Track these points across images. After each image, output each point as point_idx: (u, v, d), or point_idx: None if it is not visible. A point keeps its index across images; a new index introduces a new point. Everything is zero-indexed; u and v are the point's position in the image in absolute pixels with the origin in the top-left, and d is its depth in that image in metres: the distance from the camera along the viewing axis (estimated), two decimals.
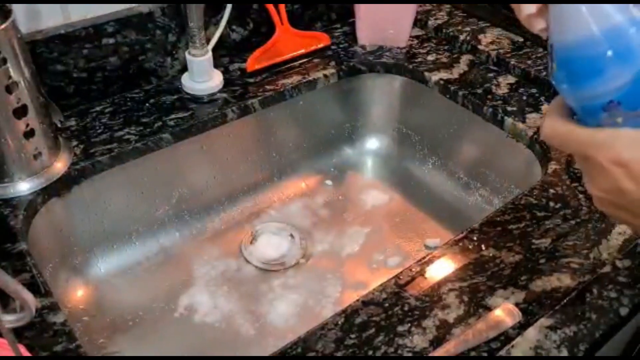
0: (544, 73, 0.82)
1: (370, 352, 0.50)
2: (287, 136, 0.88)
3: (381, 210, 0.87)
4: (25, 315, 0.44)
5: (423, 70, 0.86)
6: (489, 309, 0.53)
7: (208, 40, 0.79)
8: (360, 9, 0.89)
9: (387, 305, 0.54)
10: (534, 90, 0.82)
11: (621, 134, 0.36)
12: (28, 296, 0.42)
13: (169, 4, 0.76)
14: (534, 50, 0.88)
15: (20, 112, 0.61)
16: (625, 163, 0.35)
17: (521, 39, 0.90)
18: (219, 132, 0.79)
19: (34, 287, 0.54)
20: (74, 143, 0.71)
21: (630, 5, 0.35)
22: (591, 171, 0.38)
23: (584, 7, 0.34)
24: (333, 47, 0.91)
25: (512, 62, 0.85)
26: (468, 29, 0.93)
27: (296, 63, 0.87)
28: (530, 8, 0.42)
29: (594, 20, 0.34)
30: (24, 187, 0.65)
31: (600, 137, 0.36)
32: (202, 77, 0.79)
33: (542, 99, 0.80)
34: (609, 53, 0.34)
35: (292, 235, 0.83)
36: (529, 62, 0.85)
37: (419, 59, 0.88)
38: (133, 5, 0.75)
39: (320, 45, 0.89)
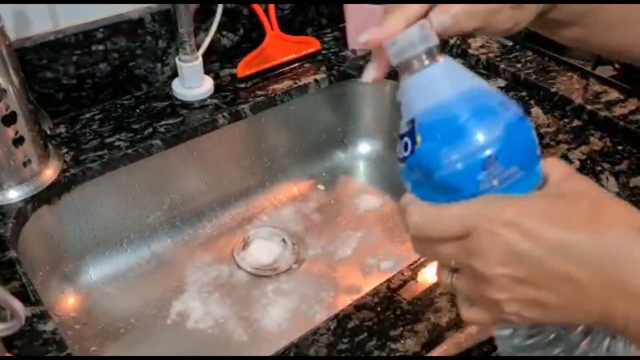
0: (534, 76, 0.83)
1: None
2: (279, 141, 0.88)
3: (373, 214, 0.87)
4: (14, 324, 0.44)
5: None
6: None
7: (198, 46, 0.79)
8: (350, 14, 0.89)
9: (379, 309, 0.54)
10: (524, 94, 0.82)
11: (496, 197, 0.33)
12: (17, 305, 0.42)
13: (159, 7, 0.76)
14: (523, 54, 0.88)
15: (9, 119, 0.61)
16: (511, 223, 0.31)
17: (510, 43, 0.91)
18: (210, 137, 0.78)
19: (24, 295, 0.54)
20: (64, 150, 0.71)
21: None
22: (479, 245, 0.32)
23: (440, 72, 0.35)
24: (324, 52, 0.91)
25: (501, 66, 0.85)
26: None
27: (287, 68, 0.87)
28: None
29: (449, 84, 0.35)
30: (13, 194, 0.64)
31: (476, 205, 0.33)
32: (193, 82, 0.79)
33: (532, 102, 0.80)
34: (486, 105, 0.34)
35: (284, 240, 0.82)
36: (519, 65, 0.85)
37: None
38: (123, 11, 0.75)
39: (311, 50, 0.89)
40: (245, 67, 0.84)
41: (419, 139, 0.34)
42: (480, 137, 0.33)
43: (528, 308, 0.33)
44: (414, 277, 0.57)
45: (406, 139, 0.35)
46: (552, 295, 0.32)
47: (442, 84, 0.35)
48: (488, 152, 0.33)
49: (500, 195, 0.33)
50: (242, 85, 0.83)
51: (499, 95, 0.35)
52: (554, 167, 0.35)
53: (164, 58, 0.81)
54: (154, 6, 0.77)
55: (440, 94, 0.35)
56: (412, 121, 0.35)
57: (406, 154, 0.35)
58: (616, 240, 0.31)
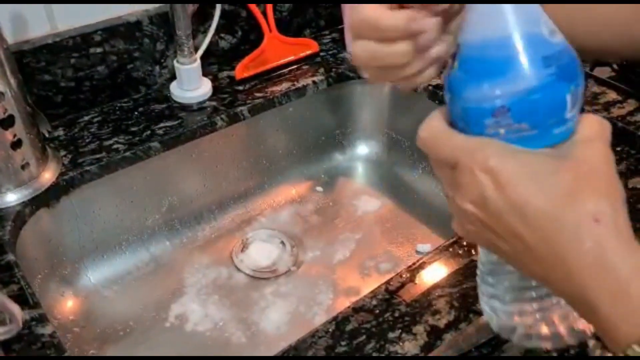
0: None
1: None
2: (277, 143, 0.88)
3: (372, 216, 0.87)
4: (12, 328, 0.44)
5: None
6: (479, 314, 0.53)
7: (196, 49, 0.79)
8: (349, 15, 0.89)
9: (377, 311, 0.54)
10: None
11: (493, 142, 0.34)
12: (15, 308, 0.42)
13: (157, 10, 0.76)
14: None
15: (7, 122, 0.61)
16: (491, 170, 0.33)
17: None
18: (209, 140, 0.78)
19: (23, 298, 0.54)
20: (62, 153, 0.71)
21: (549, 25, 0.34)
22: (460, 179, 0.35)
23: (508, 8, 0.34)
24: (322, 53, 0.91)
25: None
26: None
27: (285, 70, 0.87)
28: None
29: (518, 22, 0.34)
30: (11, 197, 0.64)
31: (473, 143, 0.35)
32: (191, 85, 0.79)
33: None
34: (522, 57, 0.33)
35: (283, 243, 0.82)
36: None
37: None
38: (120, 14, 0.75)
39: (309, 52, 0.89)
40: (243, 69, 0.84)
41: (456, 64, 0.36)
42: (500, 85, 0.34)
43: (491, 248, 0.37)
44: (412, 279, 0.57)
45: (451, 59, 0.36)
46: (505, 245, 0.35)
47: (498, 20, 0.34)
48: (501, 102, 0.34)
49: (498, 143, 0.34)
50: (241, 87, 0.83)
51: (550, 48, 0.34)
52: (584, 126, 0.35)
53: (162, 60, 0.81)
54: (151, 9, 0.77)
55: (489, 29, 0.34)
56: (459, 46, 0.36)
57: (446, 72, 0.37)
58: (570, 221, 0.32)
